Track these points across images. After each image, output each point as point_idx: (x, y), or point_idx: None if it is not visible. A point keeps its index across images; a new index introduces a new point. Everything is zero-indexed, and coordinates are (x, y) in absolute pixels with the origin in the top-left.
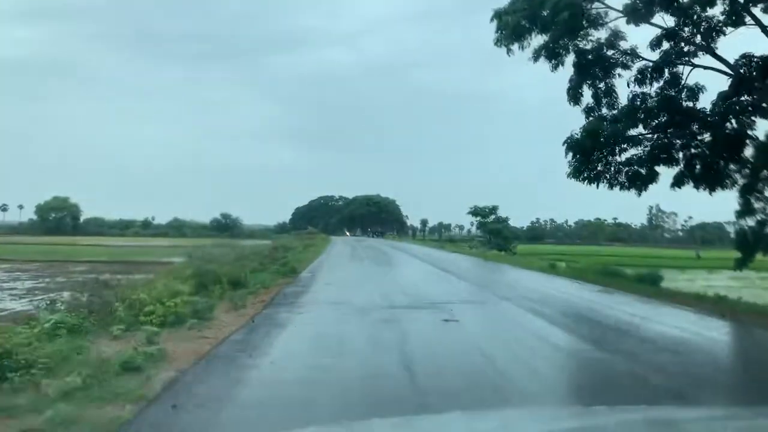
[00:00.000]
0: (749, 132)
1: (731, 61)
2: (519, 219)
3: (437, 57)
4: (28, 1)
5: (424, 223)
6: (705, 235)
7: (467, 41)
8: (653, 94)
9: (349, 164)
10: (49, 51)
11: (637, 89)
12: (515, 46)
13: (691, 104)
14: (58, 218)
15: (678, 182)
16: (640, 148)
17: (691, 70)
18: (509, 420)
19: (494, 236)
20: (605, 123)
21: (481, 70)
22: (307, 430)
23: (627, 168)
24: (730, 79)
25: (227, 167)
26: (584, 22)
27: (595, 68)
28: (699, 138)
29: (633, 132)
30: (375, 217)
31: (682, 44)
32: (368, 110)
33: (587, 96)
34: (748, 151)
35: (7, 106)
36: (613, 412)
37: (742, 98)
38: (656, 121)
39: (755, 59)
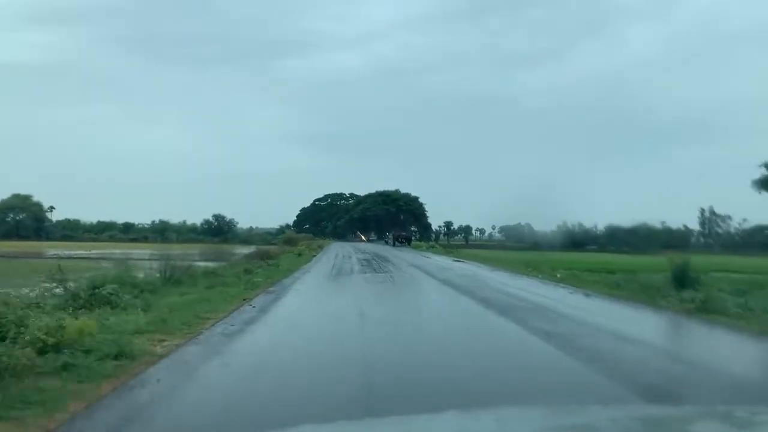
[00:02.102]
0: None
1: None
2: (542, 222)
3: (449, 60)
4: (35, 5)
5: (448, 225)
6: (764, 240)
7: (479, 44)
8: None
9: (360, 167)
10: (56, 54)
11: None
12: None
13: None
14: (18, 219)
15: None
16: None
17: None
18: (504, 419)
19: None
20: None
21: (494, 73)
22: (301, 428)
23: None
24: None
25: (234, 170)
26: None
27: None
28: None
29: None
30: (393, 218)
31: None
32: (379, 114)
33: None
34: None
35: (16, 110)
36: (607, 411)
37: None
38: None
39: None
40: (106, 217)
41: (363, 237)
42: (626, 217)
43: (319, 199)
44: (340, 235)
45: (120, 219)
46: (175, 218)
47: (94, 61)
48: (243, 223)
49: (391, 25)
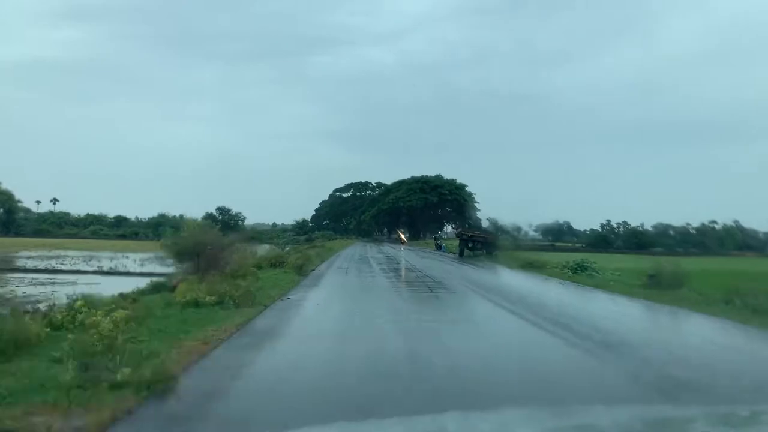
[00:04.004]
0: None
1: None
2: (582, 221)
3: (481, 55)
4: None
5: (494, 223)
6: None
7: (512, 39)
8: None
9: (387, 163)
10: (85, 51)
11: None
12: None
13: None
14: None
15: None
16: None
17: None
18: (506, 420)
19: None
20: None
21: (527, 69)
22: (304, 429)
23: None
24: None
25: (257, 166)
26: None
27: None
28: None
29: None
30: (432, 210)
31: None
32: (410, 110)
33: None
34: None
35: (48, 107)
36: (610, 412)
37: None
38: None
39: None
40: (115, 212)
41: (403, 237)
42: (676, 217)
43: (339, 189)
44: (365, 233)
45: (128, 213)
46: (192, 214)
47: (113, 59)
48: (266, 219)
49: (421, 20)
